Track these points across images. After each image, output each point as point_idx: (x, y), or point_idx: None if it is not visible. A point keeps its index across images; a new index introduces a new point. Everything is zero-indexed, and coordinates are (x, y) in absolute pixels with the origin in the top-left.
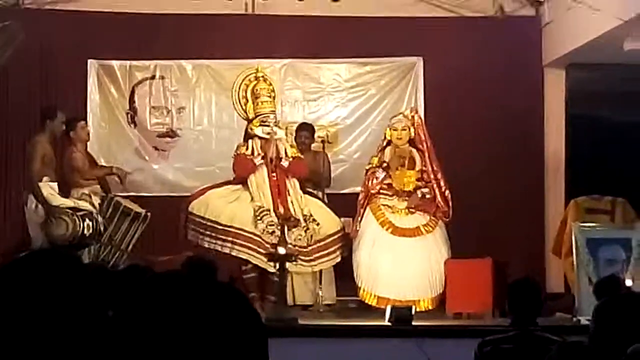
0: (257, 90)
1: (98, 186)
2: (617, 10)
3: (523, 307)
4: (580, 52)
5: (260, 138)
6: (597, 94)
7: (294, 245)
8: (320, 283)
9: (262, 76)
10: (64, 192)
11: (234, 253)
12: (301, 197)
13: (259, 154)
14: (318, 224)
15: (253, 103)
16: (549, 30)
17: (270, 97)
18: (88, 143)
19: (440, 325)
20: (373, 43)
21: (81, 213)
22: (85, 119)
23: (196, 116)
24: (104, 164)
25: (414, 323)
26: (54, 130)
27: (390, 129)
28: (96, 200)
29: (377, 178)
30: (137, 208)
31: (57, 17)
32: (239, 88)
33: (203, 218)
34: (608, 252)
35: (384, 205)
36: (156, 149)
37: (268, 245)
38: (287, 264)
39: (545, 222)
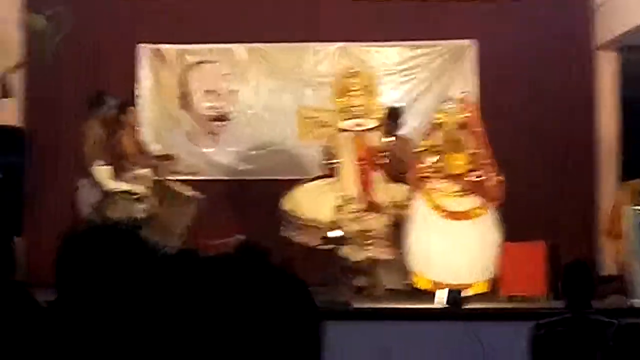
0: (348, 85)
1: (150, 170)
2: None
3: (577, 290)
4: (634, 34)
5: (346, 131)
6: None
7: (381, 233)
8: (375, 267)
9: (355, 72)
10: (117, 175)
11: (315, 244)
12: (387, 184)
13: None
14: (402, 207)
15: (344, 98)
16: (602, 12)
17: (360, 91)
18: (139, 128)
19: (494, 308)
20: (425, 26)
21: (134, 197)
22: (132, 104)
23: (248, 100)
24: (155, 148)
25: (468, 306)
26: (105, 116)
27: (442, 113)
28: (148, 184)
29: (428, 161)
30: (188, 191)
31: (108, 2)
32: (334, 85)
33: (290, 214)
34: None
35: (435, 188)
36: (208, 132)
37: (355, 233)
38: (377, 252)
39: (598, 205)
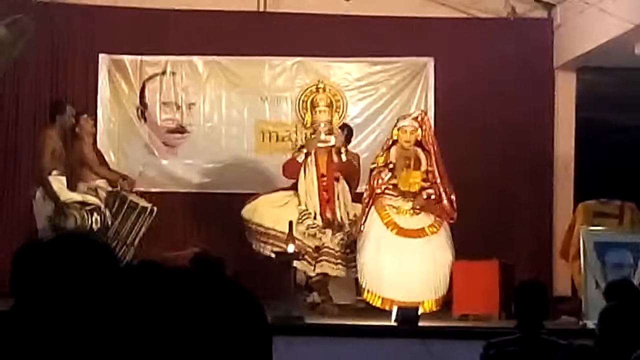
0: (315, 100)
1: (104, 181)
2: (629, 14)
3: (529, 309)
4: (592, 55)
5: (315, 146)
6: (607, 97)
7: (337, 250)
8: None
9: (323, 87)
10: (72, 186)
11: (272, 256)
12: (350, 201)
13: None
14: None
15: (311, 113)
16: (561, 33)
17: (327, 106)
18: (98, 138)
19: (447, 327)
20: (384, 42)
21: (89, 207)
22: (88, 113)
23: (206, 113)
24: (113, 159)
25: (420, 324)
26: (63, 125)
27: (398, 130)
28: (103, 195)
29: (382, 178)
30: (143, 202)
31: (69, 11)
32: (300, 100)
33: (250, 222)
34: (616, 257)
35: (388, 205)
36: (165, 144)
37: (310, 249)
38: (329, 268)
39: (553, 225)
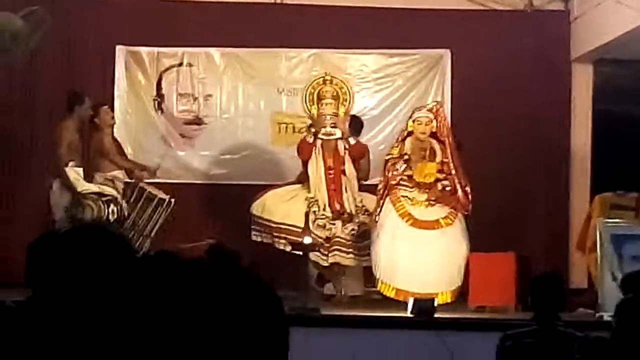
0: (322, 92)
1: (122, 172)
2: None
3: (546, 301)
4: (609, 47)
5: (320, 138)
6: (624, 90)
7: (348, 240)
8: (344, 274)
9: (329, 79)
10: (89, 177)
11: (288, 249)
12: (357, 192)
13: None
14: (370, 215)
15: (317, 105)
16: (578, 25)
17: (334, 98)
18: (115, 129)
19: (463, 318)
20: (401, 34)
21: (106, 198)
22: (107, 104)
23: (223, 104)
24: (130, 150)
25: (435, 315)
26: (81, 116)
27: (413, 121)
28: (120, 186)
29: (397, 169)
30: (161, 194)
31: (85, 3)
32: (307, 92)
33: (260, 217)
34: (633, 249)
35: (403, 196)
36: (182, 136)
37: (321, 240)
38: (341, 258)
39: (570, 218)
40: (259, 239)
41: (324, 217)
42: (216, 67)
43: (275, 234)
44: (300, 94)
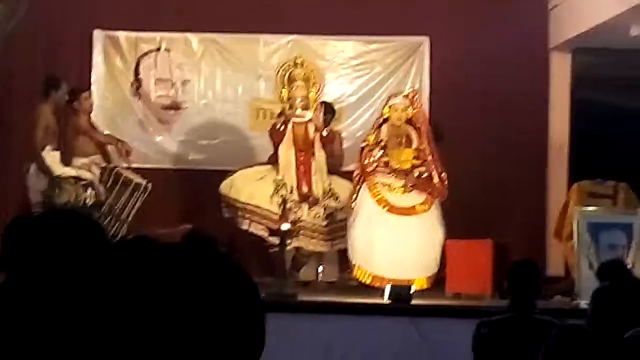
0: (292, 75)
1: (99, 156)
2: None
3: (522, 289)
4: (587, 36)
5: (291, 121)
6: (602, 79)
7: (313, 224)
8: (322, 259)
9: (300, 62)
10: (66, 162)
11: (251, 229)
12: (326, 176)
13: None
14: (337, 199)
15: (288, 88)
16: (556, 14)
17: (304, 81)
18: (92, 114)
19: (439, 305)
20: (380, 21)
21: (83, 182)
22: (89, 90)
23: (201, 89)
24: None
25: (412, 302)
26: (57, 101)
27: (389, 108)
28: (97, 170)
29: (374, 156)
30: (137, 179)
31: None
32: (277, 74)
33: (227, 197)
34: (609, 237)
35: (380, 183)
36: (160, 121)
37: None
38: (305, 242)
39: (547, 205)
40: (227, 216)
41: (291, 200)
42: (194, 52)
43: (240, 214)
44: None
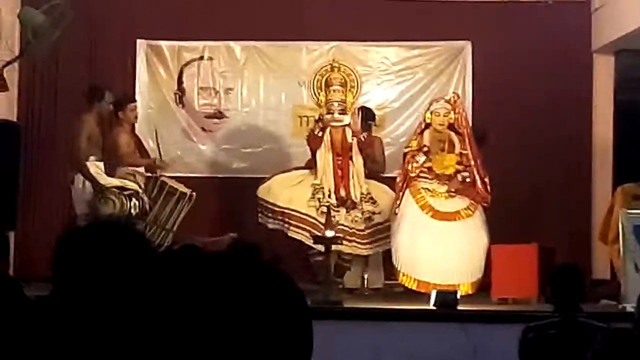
0: (330, 79)
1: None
2: None
3: (566, 293)
4: (630, 38)
5: (329, 125)
6: None
7: (351, 228)
8: (367, 266)
9: (337, 66)
10: (110, 171)
11: (289, 234)
12: (363, 180)
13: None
14: (375, 203)
15: (325, 92)
16: (599, 16)
17: (341, 85)
18: (136, 124)
19: (486, 310)
20: (422, 26)
21: (128, 192)
22: (134, 100)
23: (244, 97)
24: (152, 144)
25: (458, 307)
26: (101, 110)
27: (431, 113)
28: (141, 180)
29: (417, 161)
30: (182, 188)
31: None
32: (314, 79)
33: (265, 201)
34: None
35: (424, 188)
36: (204, 129)
37: (322, 227)
38: (344, 246)
39: (592, 209)
40: (262, 221)
41: (328, 203)
42: (237, 60)
43: (279, 218)
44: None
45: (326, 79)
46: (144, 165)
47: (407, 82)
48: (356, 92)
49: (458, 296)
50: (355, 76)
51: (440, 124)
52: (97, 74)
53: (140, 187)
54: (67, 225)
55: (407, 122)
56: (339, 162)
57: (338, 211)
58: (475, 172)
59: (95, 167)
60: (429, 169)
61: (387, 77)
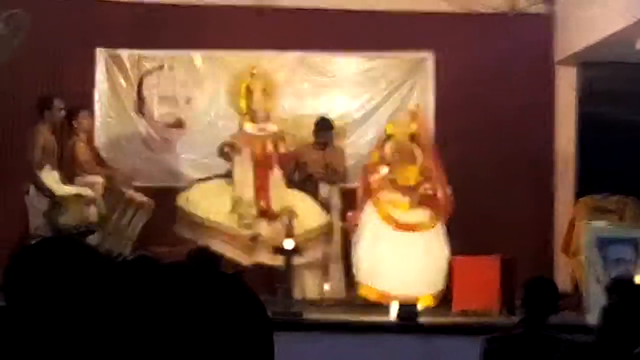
0: (251, 86)
1: (101, 175)
2: (630, 8)
3: (538, 305)
4: (592, 50)
5: (249, 134)
6: (608, 92)
7: (274, 239)
8: (328, 276)
9: (256, 73)
10: (68, 180)
11: (210, 246)
12: (284, 190)
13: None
14: (295, 215)
15: (247, 99)
16: (561, 28)
17: (263, 93)
18: (95, 133)
19: (447, 322)
20: (384, 37)
21: (85, 200)
22: (87, 109)
23: (204, 107)
24: (109, 154)
25: (419, 319)
26: (53, 119)
27: (393, 125)
28: (100, 189)
29: (378, 173)
30: (140, 197)
31: (66, 5)
32: (235, 85)
33: (183, 211)
34: (617, 252)
35: (385, 200)
36: (164, 139)
37: (245, 239)
38: (266, 258)
39: (554, 221)
40: (177, 231)
41: (249, 215)
42: (197, 70)
43: (199, 230)
44: (283, 97)
45: (247, 85)
46: (102, 174)
47: (369, 93)
48: (276, 99)
49: (418, 308)
50: (275, 83)
51: (401, 136)
52: (56, 83)
53: (98, 195)
54: (20, 240)
55: (369, 132)
56: (259, 172)
57: (259, 223)
58: (438, 184)
59: (51, 176)
60: (391, 180)
61: (349, 87)
